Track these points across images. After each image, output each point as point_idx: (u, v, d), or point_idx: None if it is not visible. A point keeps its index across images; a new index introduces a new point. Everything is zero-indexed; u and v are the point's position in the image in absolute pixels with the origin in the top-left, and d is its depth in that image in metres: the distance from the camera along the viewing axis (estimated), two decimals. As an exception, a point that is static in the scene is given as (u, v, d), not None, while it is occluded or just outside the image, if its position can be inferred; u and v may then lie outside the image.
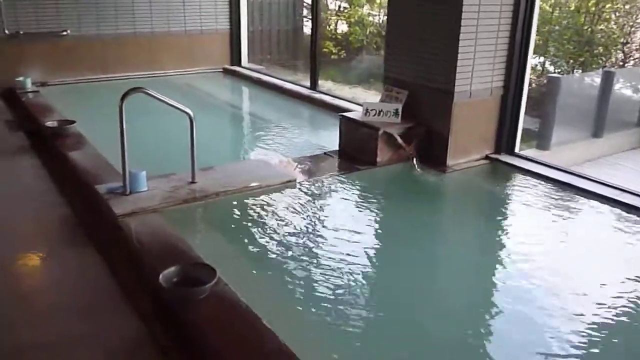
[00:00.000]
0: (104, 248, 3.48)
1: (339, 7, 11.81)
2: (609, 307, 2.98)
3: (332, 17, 11.66)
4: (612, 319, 2.89)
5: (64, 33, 7.91)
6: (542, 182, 4.63)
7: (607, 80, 7.40)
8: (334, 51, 10.95)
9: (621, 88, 7.71)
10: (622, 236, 3.84)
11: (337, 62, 11.11)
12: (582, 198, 4.35)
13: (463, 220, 4.18)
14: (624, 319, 2.90)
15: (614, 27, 8.63)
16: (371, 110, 4.93)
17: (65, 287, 3.10)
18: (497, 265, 3.53)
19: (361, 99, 7.00)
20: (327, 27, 11.38)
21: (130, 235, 3.47)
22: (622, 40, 8.54)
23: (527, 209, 4.26)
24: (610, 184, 4.47)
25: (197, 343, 2.56)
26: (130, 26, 8.46)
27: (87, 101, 7.41)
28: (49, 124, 5.45)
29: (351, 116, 5.14)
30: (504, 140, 5.12)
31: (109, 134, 5.23)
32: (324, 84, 8.38)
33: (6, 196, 4.29)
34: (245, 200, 4.10)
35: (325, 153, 5.18)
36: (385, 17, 6.09)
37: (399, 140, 4.80)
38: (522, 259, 3.48)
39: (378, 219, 4.15)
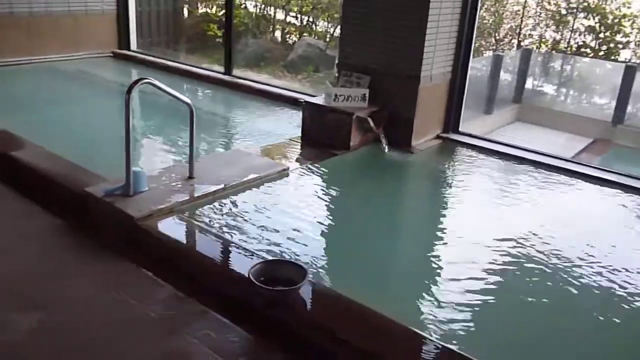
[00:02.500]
0: (132, 255, 3.17)
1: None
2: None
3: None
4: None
5: None
6: (485, 154, 5.25)
7: (496, 63, 8.27)
8: (218, 34, 10.64)
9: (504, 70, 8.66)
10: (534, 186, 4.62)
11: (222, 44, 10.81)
12: (517, 163, 5.06)
13: (442, 190, 4.68)
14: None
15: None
16: (340, 95, 5.00)
17: (133, 306, 2.80)
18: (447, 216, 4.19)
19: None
20: (210, 9, 11.03)
21: (168, 239, 3.21)
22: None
23: (481, 176, 4.88)
24: (531, 149, 5.31)
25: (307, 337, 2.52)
26: (6, 4, 7.42)
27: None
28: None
29: (316, 102, 5.16)
30: (452, 120, 5.54)
31: (35, 128, 4.75)
32: (211, 67, 8.16)
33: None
34: (254, 192, 3.98)
35: (290, 139, 5.16)
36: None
37: (372, 124, 4.96)
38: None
39: (377, 198, 4.33)
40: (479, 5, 5.30)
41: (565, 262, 3.39)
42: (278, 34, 11.70)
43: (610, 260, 3.45)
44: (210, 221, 3.53)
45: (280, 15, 11.62)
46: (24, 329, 2.53)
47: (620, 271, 3.34)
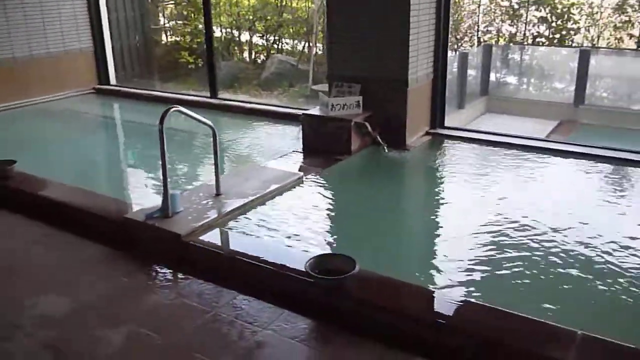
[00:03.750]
0: (184, 269, 3.46)
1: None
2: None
3: (179, 29, 11.59)
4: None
5: None
6: (470, 143, 5.76)
7: (462, 60, 8.80)
8: (190, 60, 10.92)
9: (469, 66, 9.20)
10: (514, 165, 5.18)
11: (195, 71, 11.09)
12: (499, 148, 5.57)
13: (441, 179, 5.12)
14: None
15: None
16: (336, 105, 5.38)
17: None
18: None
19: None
20: (179, 38, 11.30)
21: (218, 250, 3.53)
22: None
23: (469, 163, 5.38)
24: (511, 134, 5.90)
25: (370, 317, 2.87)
26: (-11, 53, 7.58)
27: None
28: (-17, 168, 4.86)
29: (315, 113, 5.53)
30: (437, 116, 5.98)
31: (44, 166, 5.02)
32: (194, 92, 8.47)
33: (15, 261, 3.87)
34: (277, 200, 4.31)
35: (293, 151, 5.51)
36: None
37: (369, 128, 5.35)
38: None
39: (388, 193, 4.74)
40: (450, 9, 5.77)
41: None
42: (246, 54, 12.05)
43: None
44: (248, 230, 3.84)
45: (245, 36, 11.98)
46: (118, 341, 2.80)
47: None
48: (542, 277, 3.33)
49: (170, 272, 3.47)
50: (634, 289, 3.17)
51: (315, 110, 5.61)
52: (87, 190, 4.56)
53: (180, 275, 3.42)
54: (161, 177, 3.80)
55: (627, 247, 3.56)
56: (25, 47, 7.94)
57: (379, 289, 3.09)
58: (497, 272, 3.37)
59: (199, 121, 4.06)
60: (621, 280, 3.25)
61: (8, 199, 4.58)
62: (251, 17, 11.54)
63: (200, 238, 3.65)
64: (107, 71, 8.89)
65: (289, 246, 3.65)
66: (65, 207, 4.28)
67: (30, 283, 3.40)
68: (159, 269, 3.51)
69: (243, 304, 3.09)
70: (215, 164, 4.21)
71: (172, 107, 3.82)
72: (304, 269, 3.04)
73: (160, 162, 3.78)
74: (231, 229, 3.84)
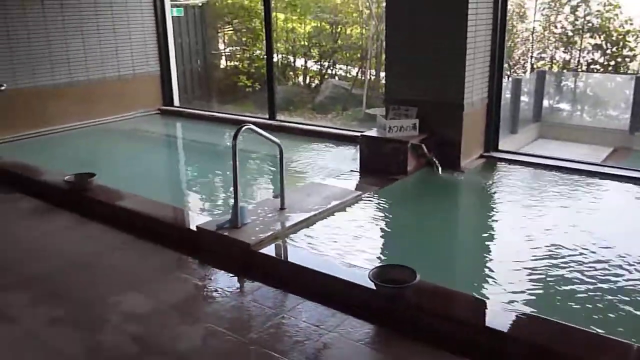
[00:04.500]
0: (249, 275, 3.71)
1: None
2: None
3: (237, 54, 12.12)
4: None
5: (2, 88, 7.42)
6: (525, 166, 5.87)
7: (516, 86, 8.91)
8: (248, 84, 11.38)
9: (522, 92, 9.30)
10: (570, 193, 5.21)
11: (252, 94, 11.54)
12: (553, 171, 5.64)
13: (496, 200, 5.21)
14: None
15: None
16: (393, 127, 5.60)
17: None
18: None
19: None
20: (240, 63, 11.80)
21: (286, 260, 3.78)
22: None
23: (523, 186, 5.50)
24: (566, 159, 5.97)
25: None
26: (66, 75, 8.16)
27: (49, 155, 7.09)
28: (67, 178, 5.28)
29: (372, 134, 5.76)
30: (492, 140, 6.12)
31: (117, 180, 5.50)
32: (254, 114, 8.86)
33: (100, 262, 4.22)
34: (337, 216, 4.54)
35: (351, 171, 5.74)
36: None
37: (425, 150, 5.54)
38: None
39: (444, 212, 4.92)
40: (505, 37, 5.95)
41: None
42: (300, 79, 12.45)
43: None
44: (311, 242, 4.08)
45: (300, 62, 12.40)
46: (197, 337, 3.06)
47: None
48: (591, 300, 3.42)
49: (239, 278, 3.72)
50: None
51: (372, 132, 5.84)
52: (158, 201, 4.91)
53: (249, 281, 3.67)
54: (231, 191, 4.09)
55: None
56: (99, 70, 8.50)
57: (436, 297, 3.26)
58: (549, 291, 3.49)
59: (268, 139, 4.35)
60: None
61: (88, 209, 4.97)
62: (306, 44, 11.96)
63: (268, 248, 3.90)
64: (172, 93, 9.39)
65: (350, 257, 3.85)
66: (141, 217, 4.62)
67: (114, 283, 3.71)
68: (229, 275, 3.77)
69: (309, 309, 3.31)
70: (281, 180, 4.48)
71: (245, 125, 4.12)
72: (367, 278, 3.25)
73: (232, 176, 4.06)
74: (296, 240, 4.09)
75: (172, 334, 3.10)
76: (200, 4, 11.41)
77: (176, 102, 9.50)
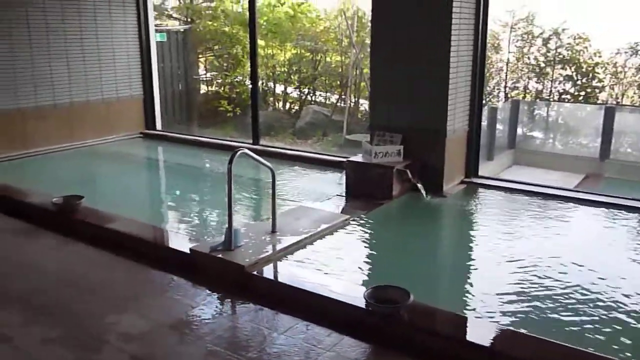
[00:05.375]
0: (245, 296, 3.78)
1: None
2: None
3: (219, 80, 12.26)
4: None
5: (-15, 110, 7.41)
6: (504, 192, 6.10)
7: (492, 115, 9.21)
8: (229, 109, 11.50)
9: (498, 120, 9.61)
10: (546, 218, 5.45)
11: (232, 119, 11.65)
12: (534, 197, 5.88)
13: (478, 224, 5.41)
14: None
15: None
16: (379, 152, 5.77)
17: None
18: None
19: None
20: (221, 88, 11.92)
21: (278, 281, 3.86)
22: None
23: (502, 210, 5.77)
24: (541, 184, 6.24)
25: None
26: (50, 97, 8.17)
27: (32, 177, 7.07)
28: (55, 200, 5.29)
29: (358, 160, 5.92)
30: (472, 166, 6.34)
31: (105, 204, 5.52)
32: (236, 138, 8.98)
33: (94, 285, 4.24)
34: (327, 239, 4.65)
35: (337, 195, 5.87)
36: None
37: (409, 175, 5.71)
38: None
39: (430, 235, 5.10)
40: (485, 69, 6.21)
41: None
42: (281, 104, 12.63)
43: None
44: (304, 264, 4.18)
45: (280, 88, 12.59)
46: (198, 356, 3.12)
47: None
48: (568, 316, 3.59)
49: (235, 299, 3.79)
50: None
51: (358, 157, 5.99)
52: (149, 224, 4.97)
53: (244, 302, 3.74)
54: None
55: None
56: (83, 93, 8.53)
57: (429, 316, 3.38)
58: (526, 308, 3.66)
59: (261, 163, 4.46)
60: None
61: (78, 231, 4.98)
62: (287, 70, 12.17)
63: (262, 269, 3.99)
64: (155, 117, 9.44)
65: (342, 278, 3.96)
66: (132, 239, 4.66)
67: (108, 304, 3.74)
68: (224, 296, 3.83)
69: (306, 329, 3.39)
70: (273, 204, 4.58)
71: (240, 150, 4.24)
72: (362, 299, 3.36)
73: (227, 199, 4.15)
74: (289, 262, 4.18)
75: (173, 353, 3.15)
76: (182, 30, 11.56)
77: (159, 126, 9.55)
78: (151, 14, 9.29)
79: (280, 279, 3.95)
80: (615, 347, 3.23)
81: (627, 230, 5.09)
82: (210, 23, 12.03)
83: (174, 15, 13.03)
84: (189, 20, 12.56)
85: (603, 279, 3.99)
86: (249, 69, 8.34)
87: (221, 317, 3.57)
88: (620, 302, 3.69)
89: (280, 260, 4.17)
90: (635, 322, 3.48)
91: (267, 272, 3.98)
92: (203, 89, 12.45)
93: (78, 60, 8.41)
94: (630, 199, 5.56)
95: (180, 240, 4.78)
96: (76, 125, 8.47)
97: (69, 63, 8.31)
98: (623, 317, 3.53)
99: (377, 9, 6.04)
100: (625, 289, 3.86)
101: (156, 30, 9.81)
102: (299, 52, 12.07)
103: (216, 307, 3.70)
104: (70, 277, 4.16)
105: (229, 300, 3.80)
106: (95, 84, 8.67)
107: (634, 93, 10.19)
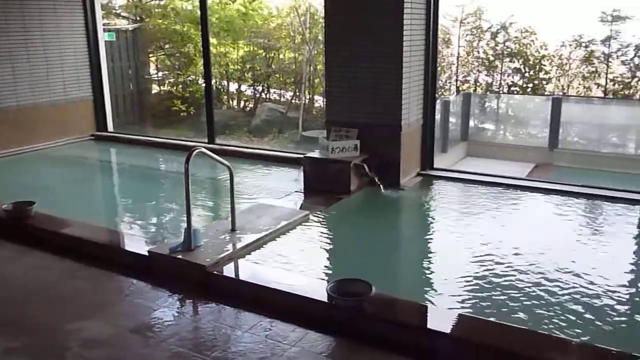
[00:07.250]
0: (211, 296, 3.75)
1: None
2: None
3: (171, 80, 12.08)
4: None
5: None
6: (459, 182, 6.28)
7: (445, 108, 9.38)
8: (182, 108, 11.34)
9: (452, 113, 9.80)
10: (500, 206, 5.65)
11: (187, 118, 11.49)
12: (488, 187, 6.04)
13: (435, 214, 5.51)
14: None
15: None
16: (336, 148, 5.80)
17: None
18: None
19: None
20: (174, 87, 11.74)
21: (241, 279, 3.84)
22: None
23: (458, 200, 5.96)
24: (495, 174, 6.41)
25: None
26: (-6, 100, 7.88)
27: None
28: (5, 207, 5.11)
29: (315, 156, 5.93)
30: (427, 158, 6.45)
31: (57, 206, 5.42)
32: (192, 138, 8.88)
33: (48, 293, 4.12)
34: (288, 236, 4.65)
35: (296, 191, 5.88)
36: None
37: (367, 169, 5.76)
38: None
39: (388, 227, 5.18)
40: (437, 63, 6.33)
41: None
42: (235, 103, 12.53)
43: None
44: (265, 261, 4.17)
45: (234, 86, 12.49)
46: (163, 357, 3.08)
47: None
48: (523, 300, 3.72)
49: (197, 300, 3.75)
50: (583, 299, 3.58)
51: (315, 153, 6.02)
52: (104, 227, 4.86)
53: (206, 302, 3.70)
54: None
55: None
56: (29, 96, 8.26)
57: (391, 307, 3.43)
58: (484, 293, 3.77)
59: (219, 162, 4.42)
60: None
61: (30, 237, 4.83)
62: (240, 68, 12.08)
63: (223, 268, 3.96)
64: (106, 118, 9.22)
65: (304, 273, 3.98)
66: (88, 244, 4.55)
67: (70, 311, 3.64)
68: (186, 297, 3.79)
69: (270, 326, 3.39)
70: (232, 202, 4.55)
71: (196, 149, 4.18)
72: (324, 292, 3.37)
73: (185, 199, 4.09)
74: (250, 260, 4.16)
75: (137, 357, 3.10)
76: (132, 29, 11.33)
77: (110, 127, 9.33)
78: (99, 12, 9.05)
79: (242, 277, 3.93)
80: (575, 328, 3.35)
81: (577, 214, 5.28)
82: (160, 21, 11.81)
83: (123, 14, 12.75)
84: (138, 19, 12.32)
85: (555, 262, 4.15)
86: (202, 68, 8.23)
87: (184, 318, 3.54)
88: (574, 283, 3.83)
89: (242, 259, 4.15)
90: (589, 299, 3.62)
91: (229, 271, 3.95)
92: (155, 88, 12.23)
93: (22, 60, 8.13)
94: (579, 185, 5.77)
95: (137, 243, 4.69)
96: (24, 129, 8.19)
97: (14, 64, 8.03)
98: (577, 296, 3.67)
99: (329, 6, 6.07)
100: (576, 269, 4.02)
101: (104, 30, 9.57)
102: (252, 49, 12.00)
103: (178, 308, 3.66)
104: (30, 286, 4.03)
105: (191, 301, 3.76)
106: (42, 85, 8.40)
107: (579, 84, 10.57)
